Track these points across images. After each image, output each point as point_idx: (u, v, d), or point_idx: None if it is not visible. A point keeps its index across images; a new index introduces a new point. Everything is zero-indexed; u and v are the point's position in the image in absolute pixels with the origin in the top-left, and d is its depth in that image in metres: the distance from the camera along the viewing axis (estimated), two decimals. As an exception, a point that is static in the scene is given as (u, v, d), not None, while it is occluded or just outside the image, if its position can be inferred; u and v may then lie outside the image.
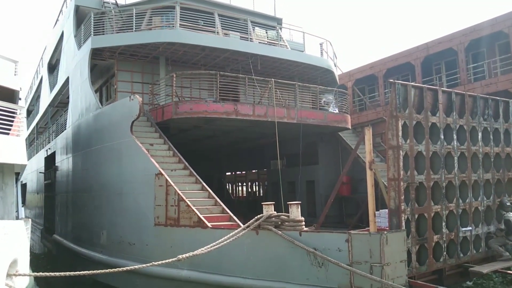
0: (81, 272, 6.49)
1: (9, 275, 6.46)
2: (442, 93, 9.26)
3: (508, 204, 9.98)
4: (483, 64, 19.20)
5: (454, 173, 9.30)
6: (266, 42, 17.66)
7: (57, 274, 6.55)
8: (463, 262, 9.27)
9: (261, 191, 28.45)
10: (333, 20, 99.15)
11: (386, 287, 6.88)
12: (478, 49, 19.52)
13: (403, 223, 8.05)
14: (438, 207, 8.88)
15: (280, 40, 18.11)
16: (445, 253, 8.83)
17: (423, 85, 9.20)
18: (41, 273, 6.81)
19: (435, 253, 8.67)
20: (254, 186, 30.97)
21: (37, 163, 26.03)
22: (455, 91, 9.78)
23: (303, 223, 8.19)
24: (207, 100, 13.90)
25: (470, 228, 9.47)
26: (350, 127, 17.44)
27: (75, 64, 16.77)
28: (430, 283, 7.81)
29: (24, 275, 6.94)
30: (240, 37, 16.34)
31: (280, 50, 16.84)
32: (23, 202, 32.08)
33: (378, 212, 10.56)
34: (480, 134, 10.04)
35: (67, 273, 6.46)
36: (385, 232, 7.17)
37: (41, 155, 24.49)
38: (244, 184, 32.26)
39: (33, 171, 27.44)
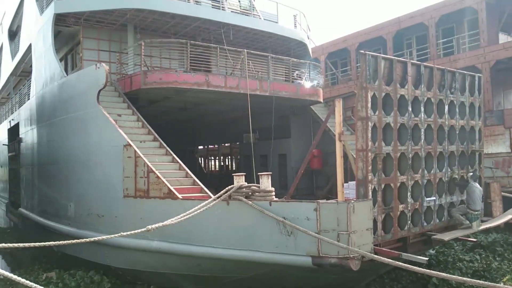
0: (46, 243, 6.29)
1: (-31, 247, 6.19)
2: (411, 66, 9.36)
3: (471, 174, 10.37)
4: (452, 40, 19.55)
5: (421, 144, 9.53)
6: (239, 12, 17.26)
7: (21, 245, 6.35)
8: (427, 231, 9.63)
9: (234, 165, 28.50)
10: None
11: (352, 254, 7.07)
12: (448, 25, 19.81)
13: (370, 193, 8.22)
14: (404, 177, 9.11)
15: (253, 10, 17.75)
16: (409, 222, 9.13)
17: (393, 57, 9.25)
18: (3, 244, 6.58)
19: (400, 222, 8.94)
20: (226, 160, 30.98)
21: (0, 135, 25.00)
22: (424, 64, 9.90)
23: (273, 193, 8.25)
24: (178, 70, 13.55)
25: (434, 198, 9.80)
26: (322, 100, 17.51)
27: (38, 30, 15.92)
28: (395, 251, 8.08)
29: (-14, 247, 6.68)
30: (212, 5, 15.89)
31: (253, 21, 16.52)
32: (-14, 176, 31.02)
33: (347, 184, 10.77)
34: (446, 107, 10.27)
35: (32, 244, 6.27)
36: (352, 201, 7.31)
37: (4, 127, 23.51)
38: (217, 158, 32.20)
39: (-5, 143, 26.37)
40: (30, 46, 17.37)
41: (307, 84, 16.63)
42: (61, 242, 6.60)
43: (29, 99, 17.68)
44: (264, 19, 17.70)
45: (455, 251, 12.37)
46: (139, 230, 6.87)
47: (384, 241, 8.51)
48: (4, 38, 24.47)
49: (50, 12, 14.12)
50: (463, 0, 18.40)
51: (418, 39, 21.34)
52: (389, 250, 8.05)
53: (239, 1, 17.79)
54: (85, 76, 12.15)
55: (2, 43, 25.57)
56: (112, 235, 7.06)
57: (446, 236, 9.44)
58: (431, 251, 11.75)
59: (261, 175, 8.40)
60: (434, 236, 9.41)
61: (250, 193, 8.19)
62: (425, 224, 9.58)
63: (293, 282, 8.65)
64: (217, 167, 32.30)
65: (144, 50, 13.14)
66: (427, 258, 7.78)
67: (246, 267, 8.32)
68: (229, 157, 30.12)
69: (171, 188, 9.56)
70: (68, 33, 15.90)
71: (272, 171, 16.12)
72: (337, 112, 9.40)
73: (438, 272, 6.49)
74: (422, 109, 9.59)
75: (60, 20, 14.25)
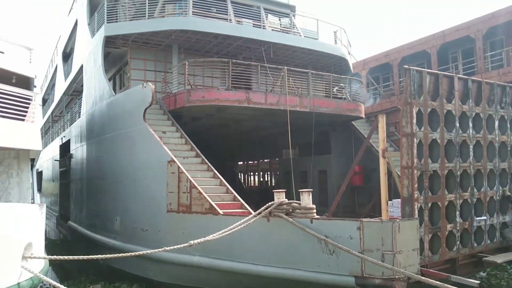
0: (93, 256, 6.59)
1: (24, 257, 6.57)
2: (458, 80, 9.07)
3: None
4: (501, 52, 18.75)
5: (469, 161, 9.14)
6: (279, 30, 17.49)
7: (70, 257, 6.68)
8: (477, 252, 9.15)
9: (273, 181, 28.44)
10: (347, 8, 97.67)
11: (398, 275, 6.83)
12: (496, 37, 19.04)
13: (416, 212, 7.96)
14: (452, 196, 8.75)
15: (294, 27, 17.92)
16: (458, 242, 8.72)
17: (439, 72, 9.02)
18: (55, 257, 6.95)
19: (448, 242, 8.57)
20: (266, 176, 30.96)
21: (53, 151, 26.45)
22: (472, 78, 9.56)
23: (315, 210, 8.16)
24: (219, 88, 13.87)
25: (485, 217, 9.32)
26: (363, 116, 17.24)
27: (89, 52, 16.88)
28: (443, 272, 7.72)
29: (39, 257, 7.06)
30: (253, 24, 16.20)
31: (293, 38, 16.66)
32: (39, 190, 32.73)
33: (391, 201, 10.47)
34: (497, 123, 9.83)
35: (81, 257, 6.57)
36: (398, 220, 7.10)
37: (56, 143, 24.87)
38: (256, 173, 32.27)
39: (48, 159, 27.90)
40: (81, 67, 18.42)
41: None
42: (107, 255, 6.87)
43: (79, 117, 18.65)
44: (305, 36, 17.83)
45: (508, 274, 11.60)
46: (182, 245, 7.01)
47: (431, 262, 8.19)
48: (59, 60, 26.13)
49: (100, 35, 14.96)
50: (513, 11, 17.67)
51: (464, 52, 20.62)
52: (437, 271, 7.71)
53: (279, 20, 18.04)
54: (133, 95, 12.69)
55: (56, 65, 27.29)
56: (156, 250, 7.26)
57: (499, 258, 8.93)
58: (482, 274, 11.11)
59: (302, 191, 8.34)
60: (485, 258, 8.93)
61: (290, 210, 8.15)
62: (475, 245, 9.12)
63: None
64: (256, 182, 32.33)
65: (187, 69, 13.59)
66: (478, 281, 7.38)
67: (287, 285, 8.22)
68: (269, 172, 30.11)
69: (213, 203, 9.69)
70: (117, 54, 16.74)
71: (312, 188, 15.98)
72: (381, 128, 9.24)
73: (491, 297, 6.13)
74: (471, 124, 9.23)
75: (109, 42, 15.05)
